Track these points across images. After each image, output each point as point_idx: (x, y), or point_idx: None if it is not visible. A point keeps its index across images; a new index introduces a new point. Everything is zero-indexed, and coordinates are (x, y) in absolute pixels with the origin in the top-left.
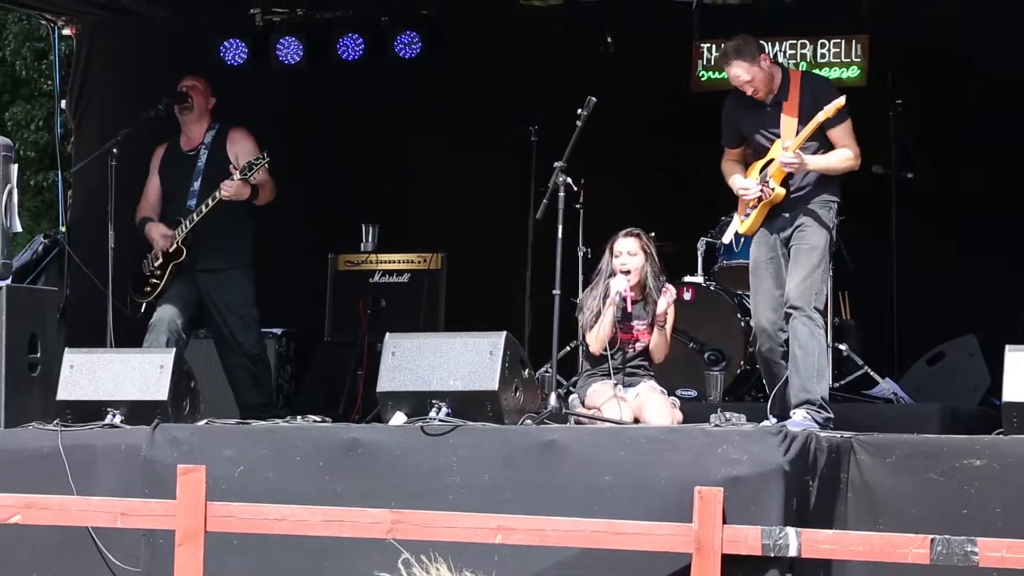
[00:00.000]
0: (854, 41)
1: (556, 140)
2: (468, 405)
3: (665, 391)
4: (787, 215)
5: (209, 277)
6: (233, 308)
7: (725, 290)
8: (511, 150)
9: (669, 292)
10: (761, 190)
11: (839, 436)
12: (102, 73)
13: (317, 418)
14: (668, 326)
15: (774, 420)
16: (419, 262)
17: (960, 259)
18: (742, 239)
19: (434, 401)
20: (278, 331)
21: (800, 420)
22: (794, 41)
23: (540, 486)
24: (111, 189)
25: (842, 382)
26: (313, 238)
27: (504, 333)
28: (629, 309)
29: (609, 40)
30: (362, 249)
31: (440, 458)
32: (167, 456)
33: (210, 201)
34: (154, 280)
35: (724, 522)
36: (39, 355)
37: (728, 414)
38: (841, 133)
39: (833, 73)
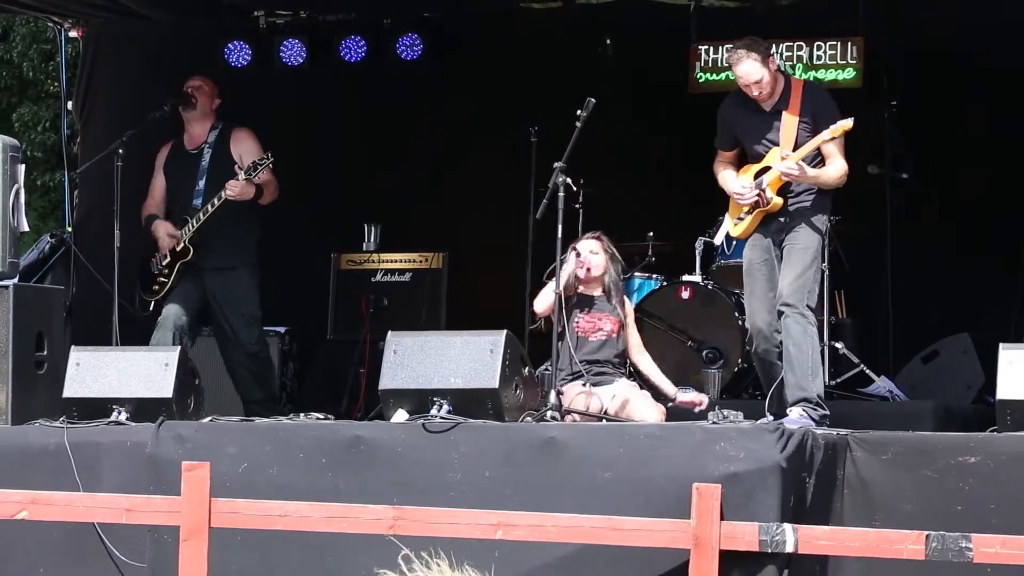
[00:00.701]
0: (849, 43)
1: (556, 141)
2: (469, 403)
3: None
4: (781, 219)
5: (215, 276)
6: (236, 306)
7: (723, 289)
8: (511, 151)
9: (628, 304)
10: (758, 196)
11: (835, 433)
12: (108, 75)
13: (320, 415)
14: (632, 333)
15: (771, 418)
16: (421, 261)
17: (954, 258)
18: (734, 241)
19: (435, 399)
20: (281, 329)
21: (797, 418)
22: (790, 43)
23: (540, 483)
24: (117, 189)
25: (838, 380)
26: (316, 237)
27: (504, 332)
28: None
29: (608, 42)
30: (364, 248)
31: (441, 455)
32: (172, 453)
33: (216, 201)
34: (162, 279)
35: (722, 518)
36: (46, 353)
37: (726, 411)
38: (836, 147)
39: (829, 75)
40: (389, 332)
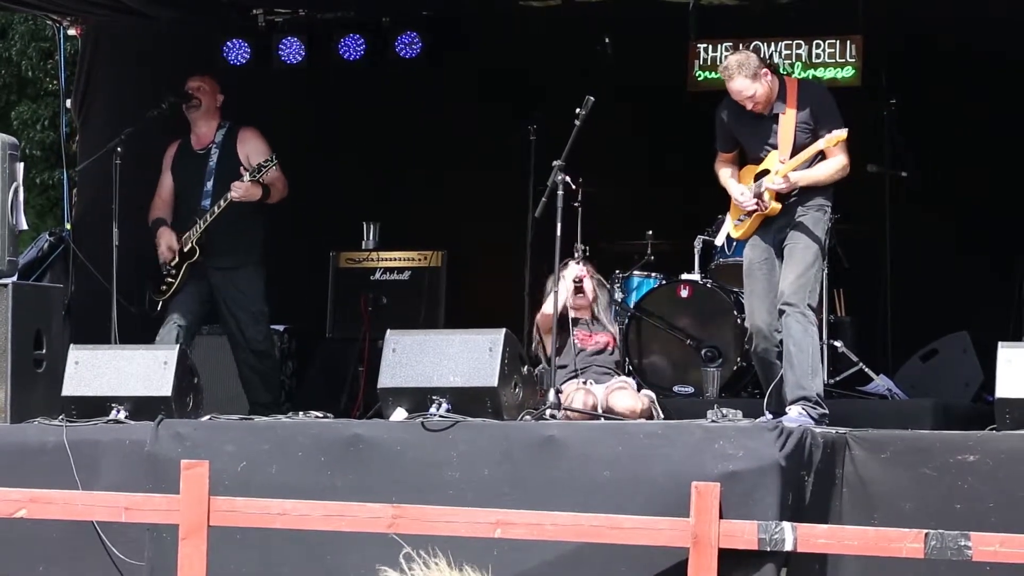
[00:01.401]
0: (848, 41)
1: (555, 139)
2: (468, 401)
3: (634, 383)
4: (782, 219)
5: (221, 275)
6: (243, 305)
7: (722, 287)
8: (510, 149)
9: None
10: (757, 203)
11: (834, 432)
12: (107, 72)
13: (319, 414)
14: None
15: (770, 416)
16: (420, 260)
17: (953, 256)
18: (734, 241)
19: (434, 397)
20: (280, 328)
21: (796, 416)
22: (789, 41)
23: (539, 481)
24: (115, 187)
25: (837, 378)
26: (315, 236)
27: (503, 330)
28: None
29: (607, 40)
30: (363, 247)
31: (440, 453)
32: (171, 451)
33: (222, 203)
34: (170, 279)
35: (721, 517)
36: (44, 351)
37: (725, 410)
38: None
39: (828, 73)
40: (388, 331)
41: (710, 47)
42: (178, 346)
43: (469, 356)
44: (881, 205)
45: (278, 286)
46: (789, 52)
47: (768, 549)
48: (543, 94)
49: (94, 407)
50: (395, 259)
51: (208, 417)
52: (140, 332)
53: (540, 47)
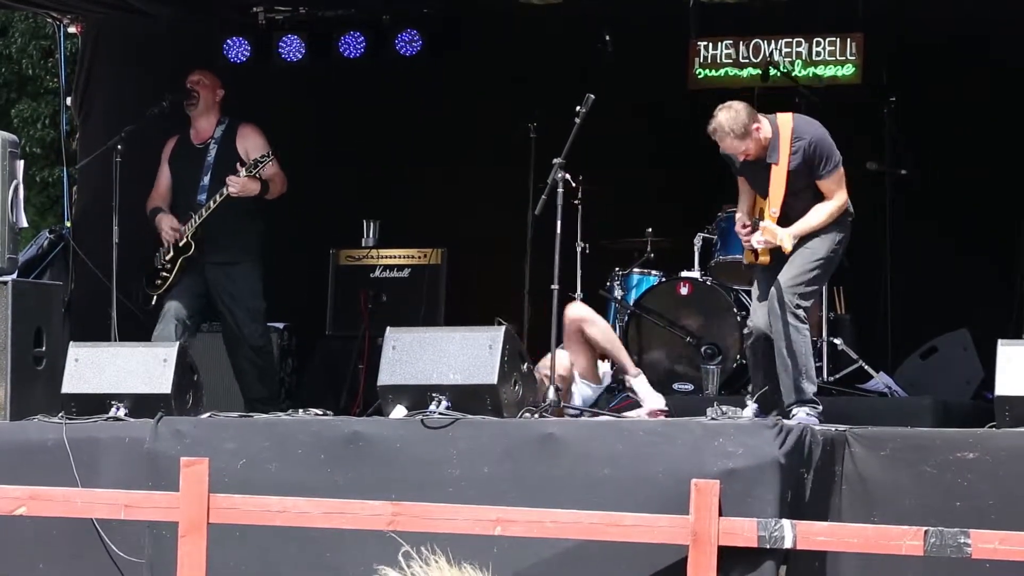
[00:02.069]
0: (849, 39)
1: (555, 137)
2: (467, 398)
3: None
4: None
5: (218, 271)
6: (240, 301)
7: (721, 285)
8: (510, 146)
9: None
10: (754, 250)
11: (834, 429)
12: (107, 70)
13: (318, 411)
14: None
15: (756, 406)
16: (419, 257)
17: (954, 254)
18: (733, 238)
19: (434, 394)
20: (280, 325)
21: (804, 418)
22: (789, 39)
23: (539, 479)
24: (116, 185)
25: (837, 376)
26: (314, 234)
27: (503, 327)
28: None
29: (607, 38)
30: (363, 244)
31: (440, 451)
32: (170, 449)
33: (218, 197)
34: (164, 274)
35: (720, 514)
36: (44, 349)
37: (724, 407)
38: (830, 184)
39: (828, 71)
40: (388, 328)
41: (710, 45)
42: (178, 343)
43: (469, 353)
44: (881, 203)
45: (278, 283)
46: (789, 50)
47: (768, 546)
48: (543, 92)
49: (94, 404)
50: (395, 257)
51: (208, 414)
52: (140, 329)
53: (540, 45)
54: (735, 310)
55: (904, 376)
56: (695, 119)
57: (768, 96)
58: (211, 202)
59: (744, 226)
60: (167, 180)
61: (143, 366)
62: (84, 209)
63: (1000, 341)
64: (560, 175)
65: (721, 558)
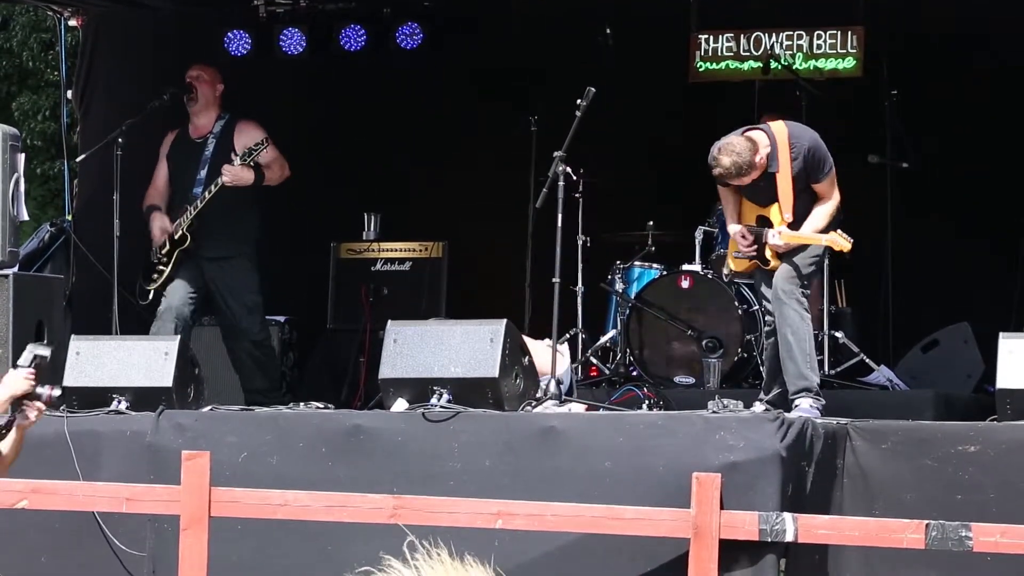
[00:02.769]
0: (850, 32)
1: (555, 130)
2: (469, 392)
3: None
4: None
5: (214, 265)
6: (237, 295)
7: (722, 278)
8: (511, 140)
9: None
10: (757, 255)
11: (835, 422)
12: (108, 63)
13: (320, 404)
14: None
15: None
16: (421, 251)
17: (955, 247)
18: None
19: (435, 388)
20: (281, 319)
21: (807, 408)
22: (790, 32)
23: (540, 472)
24: (116, 178)
25: (838, 369)
26: (315, 227)
27: (504, 321)
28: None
29: (608, 31)
30: (364, 238)
31: (441, 444)
32: (172, 442)
33: (212, 188)
34: (160, 267)
35: (722, 507)
36: (45, 342)
37: (725, 401)
38: (826, 186)
39: (829, 64)
40: (389, 321)
41: (711, 38)
42: (179, 337)
43: (470, 347)
44: (882, 196)
45: (279, 277)
46: (790, 43)
47: (769, 540)
48: (544, 85)
49: (95, 398)
50: (396, 250)
51: (209, 408)
52: (141, 323)
53: (541, 38)
54: (736, 303)
55: (905, 369)
56: (696, 112)
57: (769, 89)
58: (206, 193)
59: (744, 236)
60: (164, 175)
61: (144, 359)
62: (85, 202)
63: (1001, 334)
64: (561, 168)
65: (722, 551)
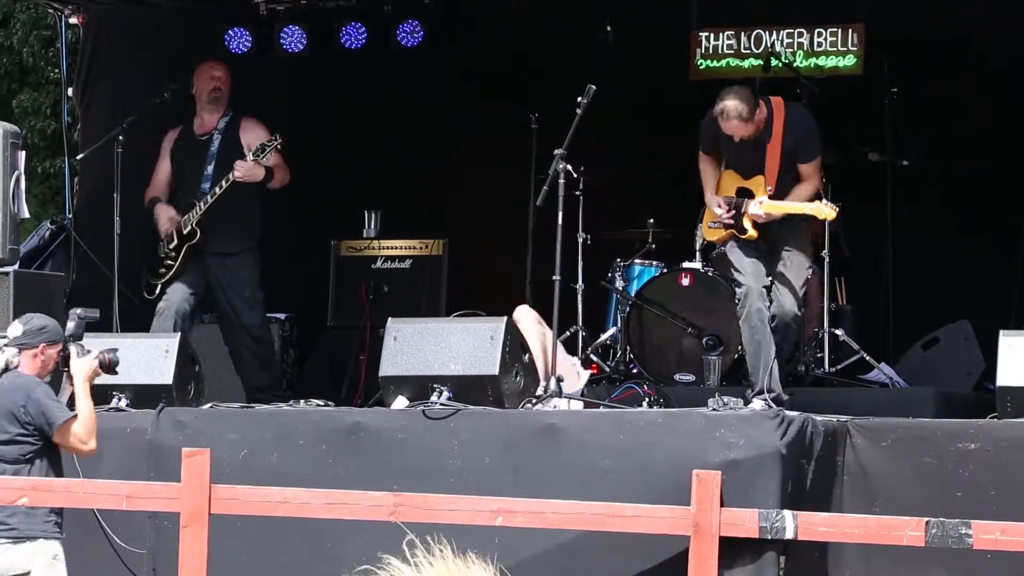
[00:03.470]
0: (850, 30)
1: (556, 128)
2: (469, 389)
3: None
4: (765, 246)
5: (218, 260)
6: (239, 290)
7: (723, 276)
8: (512, 137)
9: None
10: (734, 223)
11: (835, 420)
12: (108, 61)
13: (320, 402)
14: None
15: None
16: (421, 248)
17: (955, 245)
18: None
19: (435, 385)
20: (281, 316)
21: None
22: (791, 30)
23: (540, 469)
24: (117, 176)
25: (838, 367)
26: (316, 225)
27: (504, 318)
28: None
29: (608, 29)
30: (364, 235)
31: (441, 442)
32: (172, 439)
33: (224, 183)
34: (169, 262)
35: (722, 505)
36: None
37: (726, 398)
38: (810, 169)
39: (829, 61)
40: (389, 319)
41: (711, 35)
42: (179, 334)
43: (470, 344)
44: (882, 193)
45: (279, 274)
46: (791, 40)
47: (769, 537)
48: (544, 83)
49: (95, 395)
50: (396, 247)
51: (209, 405)
52: (142, 320)
53: (542, 36)
54: (736, 300)
55: (905, 367)
56: (696, 110)
57: (769, 86)
58: (216, 188)
59: (721, 206)
60: (167, 171)
61: (145, 357)
62: (86, 200)
63: (1002, 331)
64: (561, 166)
65: (722, 548)
